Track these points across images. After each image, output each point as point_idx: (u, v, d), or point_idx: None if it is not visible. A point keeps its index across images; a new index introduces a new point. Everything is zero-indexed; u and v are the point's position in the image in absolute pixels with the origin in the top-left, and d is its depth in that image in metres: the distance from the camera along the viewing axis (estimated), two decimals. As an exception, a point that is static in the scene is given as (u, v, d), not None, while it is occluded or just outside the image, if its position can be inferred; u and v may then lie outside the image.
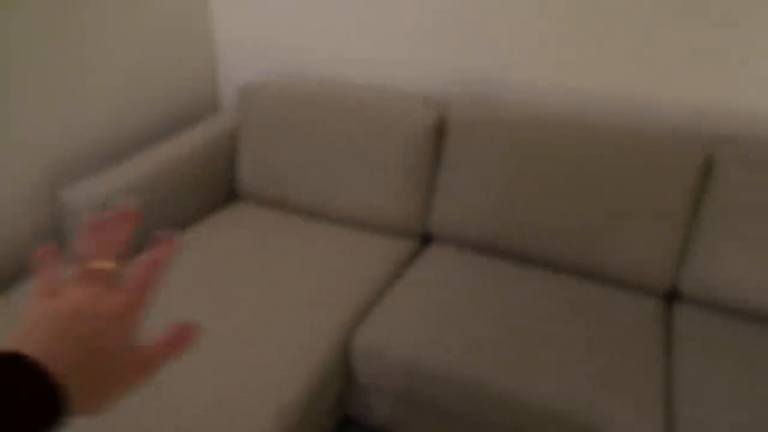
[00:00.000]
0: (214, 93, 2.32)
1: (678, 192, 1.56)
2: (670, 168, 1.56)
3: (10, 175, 1.61)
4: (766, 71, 1.59)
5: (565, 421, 1.26)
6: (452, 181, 1.78)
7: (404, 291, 1.59)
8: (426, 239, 1.92)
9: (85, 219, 1.35)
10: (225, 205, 2.04)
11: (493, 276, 1.66)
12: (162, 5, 1.99)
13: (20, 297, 1.46)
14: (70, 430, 0.37)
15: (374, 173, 1.83)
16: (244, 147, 1.98)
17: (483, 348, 1.39)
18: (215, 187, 2.00)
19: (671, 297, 1.68)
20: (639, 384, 1.31)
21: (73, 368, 0.38)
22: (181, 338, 0.45)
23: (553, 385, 1.29)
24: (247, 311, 1.47)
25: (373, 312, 1.52)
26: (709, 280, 1.55)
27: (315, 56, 2.12)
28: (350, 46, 2.05)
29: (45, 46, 1.63)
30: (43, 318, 0.40)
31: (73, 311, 0.41)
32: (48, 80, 1.67)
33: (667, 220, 1.58)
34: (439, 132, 1.80)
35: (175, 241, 0.48)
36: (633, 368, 1.35)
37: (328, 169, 1.87)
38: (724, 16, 1.57)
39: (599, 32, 1.72)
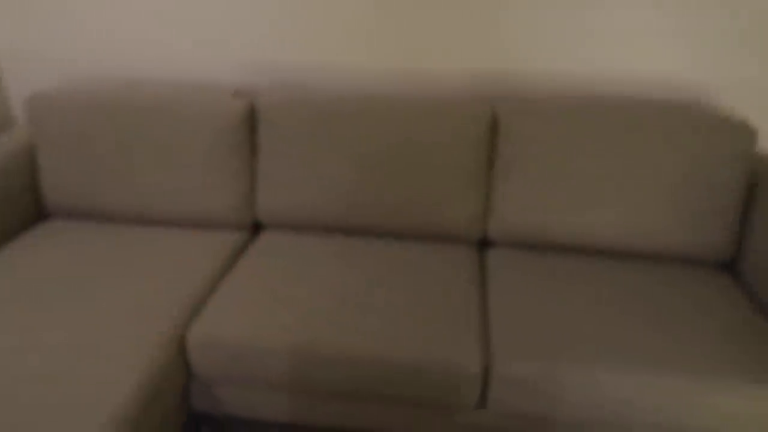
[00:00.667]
0: (3, 108, 2.12)
1: (473, 150, 1.73)
2: (464, 129, 1.72)
3: None
4: (533, 39, 1.81)
5: (394, 366, 1.35)
6: (270, 167, 1.81)
7: (236, 280, 1.60)
8: (257, 227, 1.93)
9: None
10: (33, 224, 1.89)
11: (321, 252, 1.72)
12: None
13: None
14: None
15: (190, 170, 1.80)
16: (43, 161, 1.85)
17: (315, 317, 1.44)
18: (19, 207, 1.84)
19: (484, 244, 1.86)
20: (458, 320, 1.44)
21: None
22: None
23: (381, 338, 1.38)
24: (69, 326, 1.38)
25: (206, 306, 1.51)
26: (509, 223, 1.74)
27: (112, 57, 2.02)
28: (145, 40, 1.98)
29: None
30: None
31: None
32: None
33: (468, 177, 1.74)
34: (251, 121, 1.81)
35: None
36: (452, 308, 1.49)
37: (139, 172, 1.81)
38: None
39: (395, 16, 1.84)
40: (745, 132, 1.61)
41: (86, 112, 1.79)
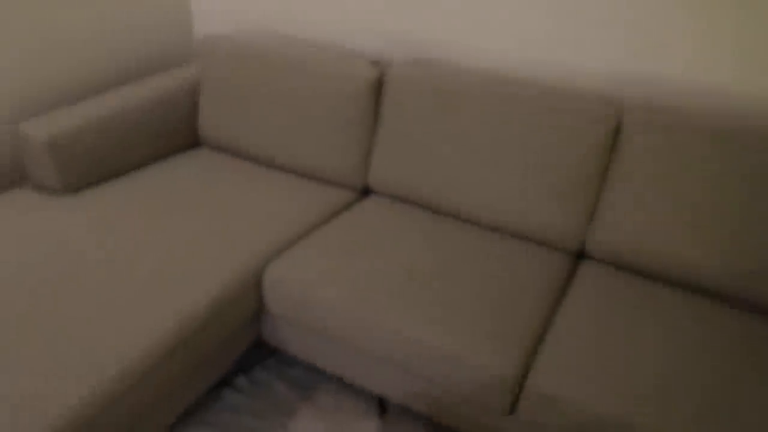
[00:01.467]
0: (188, 44, 2.45)
1: (586, 155, 1.62)
2: (582, 131, 1.62)
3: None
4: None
5: (432, 355, 1.37)
6: (388, 137, 1.87)
7: (325, 234, 1.71)
8: (366, 192, 2.03)
9: (48, 150, 1.50)
10: (186, 150, 2.19)
11: (414, 226, 1.76)
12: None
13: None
14: None
15: (318, 127, 1.93)
16: (204, 96, 2.12)
17: (378, 284, 1.50)
18: (177, 133, 2.14)
19: (581, 255, 1.76)
20: (514, 323, 1.41)
21: None
22: None
23: (435, 323, 1.40)
24: (171, 240, 1.61)
25: (289, 250, 1.65)
26: (612, 241, 1.62)
27: (282, 15, 2.23)
28: (315, 7, 2.15)
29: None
30: None
31: None
32: (14, 18, 1.83)
33: (575, 182, 1.64)
34: (378, 90, 1.89)
35: None
36: (513, 309, 1.45)
37: (276, 120, 1.99)
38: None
39: (542, 6, 1.78)
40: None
41: (241, 59, 2.01)
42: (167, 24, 2.35)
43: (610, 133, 1.61)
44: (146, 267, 1.50)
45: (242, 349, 1.67)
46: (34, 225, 1.64)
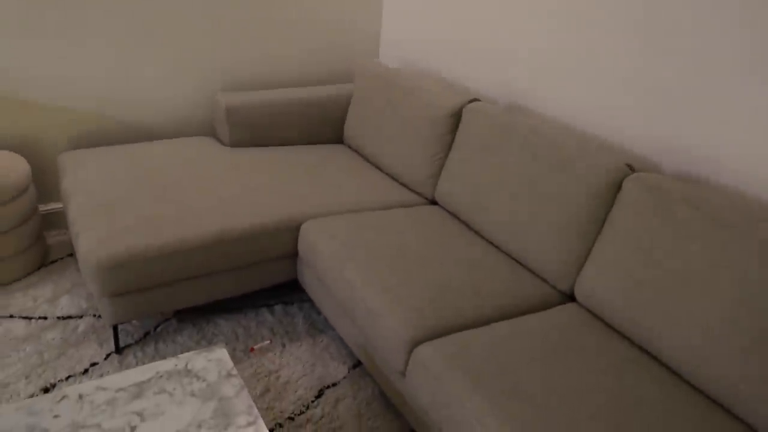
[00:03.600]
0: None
1: (588, 204, 1.72)
2: (585, 179, 1.73)
3: (196, 81, 2.69)
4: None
5: (365, 308, 1.68)
6: (455, 160, 2.20)
7: (366, 216, 2.12)
8: (434, 203, 2.36)
9: (226, 114, 2.29)
10: (334, 142, 2.82)
11: (447, 232, 2.05)
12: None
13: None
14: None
15: (411, 143, 2.36)
16: (352, 106, 2.72)
17: (368, 252, 1.86)
18: (326, 128, 2.78)
19: (570, 297, 1.82)
20: (447, 316, 1.63)
21: None
22: None
23: (384, 291, 1.71)
24: (262, 186, 2.22)
25: (331, 217, 2.10)
26: (592, 293, 1.68)
27: (439, 56, 2.73)
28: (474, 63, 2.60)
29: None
30: None
31: None
32: (250, 23, 2.70)
33: (574, 228, 1.75)
34: (457, 119, 2.23)
35: None
36: (459, 305, 1.66)
37: (388, 134, 2.48)
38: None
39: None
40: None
41: (380, 83, 2.56)
42: (358, 47, 3.05)
43: (610, 184, 1.69)
44: (236, 193, 2.13)
45: (279, 279, 2.16)
46: (204, 153, 2.42)
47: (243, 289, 2.11)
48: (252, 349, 2.02)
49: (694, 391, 1.44)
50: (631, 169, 1.72)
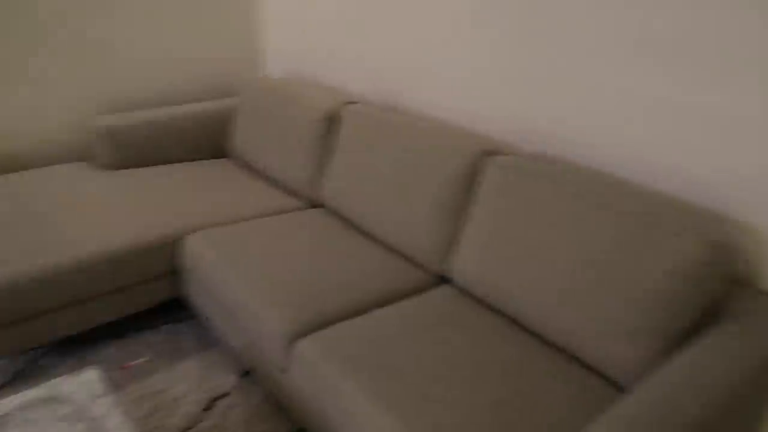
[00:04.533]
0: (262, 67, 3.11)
1: (453, 190, 1.80)
2: (448, 166, 1.82)
3: (69, 106, 2.59)
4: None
5: (245, 309, 1.67)
6: (337, 160, 2.23)
7: (255, 224, 2.11)
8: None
9: (104, 136, 2.20)
10: (219, 157, 2.79)
11: (330, 230, 2.08)
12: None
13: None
14: None
15: (289, 145, 2.38)
16: (237, 120, 2.70)
17: (248, 258, 1.86)
18: (210, 144, 2.75)
19: (446, 279, 1.90)
20: (322, 310, 1.65)
21: None
22: None
23: (260, 291, 1.72)
24: (140, 204, 2.16)
25: (214, 228, 2.08)
26: (464, 272, 1.75)
27: (330, 65, 2.78)
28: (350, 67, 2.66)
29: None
30: None
31: None
32: (118, 42, 2.63)
33: (442, 213, 1.83)
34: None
35: None
36: (334, 297, 1.69)
37: (274, 140, 2.48)
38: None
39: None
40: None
41: (265, 95, 2.57)
42: (243, 61, 3.05)
43: (469, 167, 1.78)
44: (114, 215, 2.06)
45: (163, 297, 2.11)
46: (81, 178, 2.32)
47: (125, 311, 2.04)
48: (124, 367, 1.95)
49: (556, 349, 1.54)
50: (492, 152, 1.83)
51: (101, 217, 2.04)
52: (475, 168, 1.78)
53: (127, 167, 2.54)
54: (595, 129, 1.75)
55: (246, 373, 1.97)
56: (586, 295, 1.44)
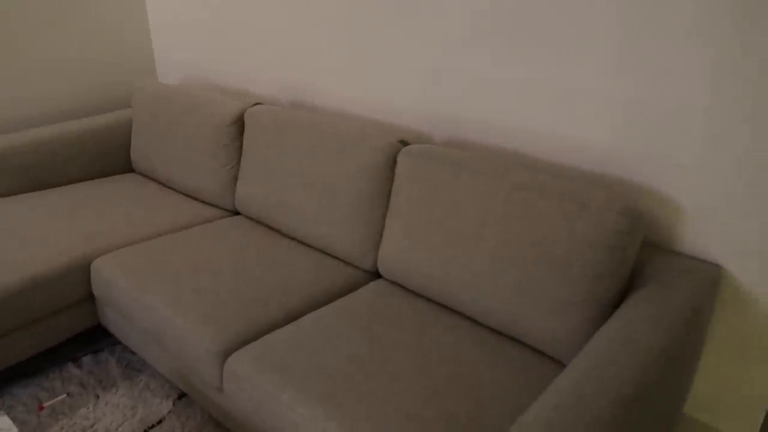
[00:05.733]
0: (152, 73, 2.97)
1: (371, 184, 1.79)
2: (364, 160, 1.81)
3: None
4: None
5: (170, 329, 1.60)
6: (247, 165, 2.17)
7: (166, 241, 2.01)
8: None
9: None
10: (123, 172, 2.64)
11: (249, 237, 2.02)
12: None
13: None
14: None
15: (197, 152, 2.29)
16: (134, 131, 2.57)
17: (162, 273, 1.77)
18: (111, 159, 2.60)
19: (376, 273, 1.89)
20: (252, 319, 1.60)
21: None
22: None
23: (181, 306, 1.64)
24: (39, 230, 2.01)
25: (123, 249, 1.97)
26: (393, 264, 1.75)
27: (222, 71, 2.67)
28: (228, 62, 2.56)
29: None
30: None
31: None
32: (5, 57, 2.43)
33: (363, 208, 1.82)
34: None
35: None
36: (267, 305, 1.64)
37: (173, 150, 2.38)
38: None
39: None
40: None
41: (152, 99, 2.45)
42: (133, 71, 2.89)
43: (385, 158, 1.78)
44: (8, 245, 1.90)
45: (79, 327, 1.98)
46: (-48, 214, 2.13)
47: (39, 347, 1.90)
48: (40, 408, 1.82)
49: (485, 329, 1.57)
50: (404, 143, 1.83)
51: (2, 248, 1.89)
52: (390, 159, 1.78)
53: (21, 192, 2.36)
54: (492, 112, 1.79)
55: (180, 396, 1.89)
56: (511, 273, 1.47)
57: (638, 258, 1.47)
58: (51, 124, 2.64)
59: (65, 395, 1.87)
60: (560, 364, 1.44)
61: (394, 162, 1.79)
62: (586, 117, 1.60)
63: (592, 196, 1.41)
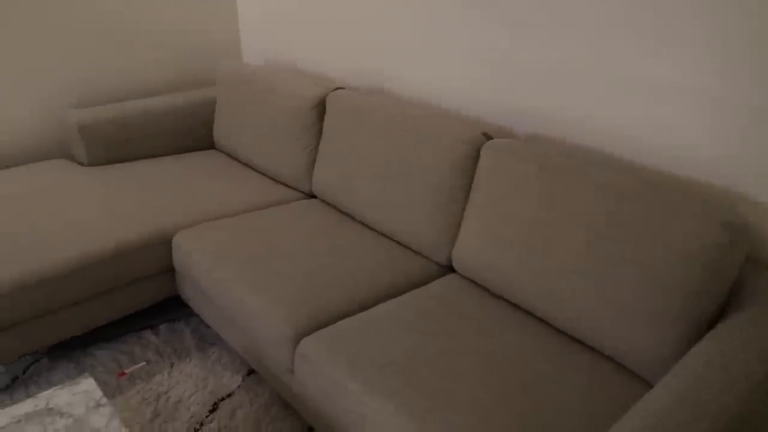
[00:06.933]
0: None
1: (451, 176, 1.75)
2: (445, 152, 1.77)
3: (42, 97, 2.50)
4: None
5: (245, 310, 1.63)
6: (326, 149, 2.17)
7: (244, 219, 2.05)
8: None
9: (79, 132, 2.10)
10: (205, 149, 2.72)
11: (324, 222, 2.03)
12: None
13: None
14: None
15: (279, 137, 2.31)
16: (217, 110, 2.63)
17: (241, 255, 1.80)
18: (195, 135, 2.67)
19: (449, 267, 1.86)
20: (321, 306, 1.60)
21: None
22: None
23: (260, 292, 1.66)
24: (124, 205, 2.09)
25: (201, 225, 2.01)
26: (467, 260, 1.71)
27: (305, 54, 2.69)
28: (330, 53, 2.57)
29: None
30: None
31: None
32: (92, 33, 2.53)
33: (441, 201, 1.78)
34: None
35: None
36: (338, 292, 1.64)
37: (253, 132, 2.41)
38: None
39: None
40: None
41: (240, 82, 2.49)
42: (218, 50, 2.95)
43: (468, 152, 1.73)
44: (98, 213, 1.99)
45: (158, 297, 2.06)
46: (60, 176, 2.24)
47: (120, 312, 1.99)
48: (121, 374, 1.89)
49: (562, 335, 1.51)
50: (487, 137, 1.78)
51: (83, 217, 1.97)
52: (473, 152, 1.73)
53: (108, 163, 2.46)
54: (576, 107, 1.69)
55: (250, 372, 1.93)
56: (594, 279, 1.40)
57: (740, 275, 1.37)
58: (139, 98, 2.74)
59: (144, 363, 1.95)
60: (643, 381, 1.37)
61: (477, 155, 1.74)
62: (690, 119, 1.49)
63: (689, 205, 1.31)
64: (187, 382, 1.89)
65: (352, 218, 2.09)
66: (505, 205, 1.62)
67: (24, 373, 1.92)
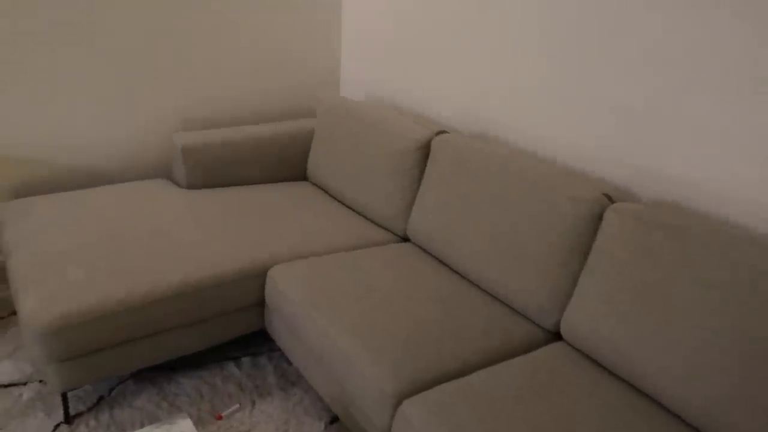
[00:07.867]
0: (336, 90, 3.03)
1: (569, 237, 1.65)
2: (564, 211, 1.67)
3: (149, 119, 2.56)
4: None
5: (338, 353, 1.55)
6: (427, 193, 2.11)
7: (337, 258, 2.00)
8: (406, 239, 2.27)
9: (182, 154, 2.14)
10: (299, 180, 2.70)
11: (422, 269, 1.95)
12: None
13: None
14: None
15: (376, 174, 2.27)
16: (314, 142, 2.62)
17: (334, 293, 1.74)
18: (288, 166, 2.67)
19: (556, 334, 1.74)
20: (420, 362, 1.52)
21: None
22: None
23: (354, 334, 1.60)
24: (222, 232, 2.08)
25: (297, 260, 1.97)
26: (579, 329, 1.59)
27: (403, 92, 2.67)
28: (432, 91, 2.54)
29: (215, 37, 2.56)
30: None
31: None
32: (205, 61, 2.59)
33: (555, 263, 1.68)
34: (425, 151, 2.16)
35: None
36: (433, 352, 1.55)
37: (353, 166, 2.38)
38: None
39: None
40: None
41: (336, 113, 2.47)
42: (319, 84, 2.97)
43: (591, 217, 1.62)
44: (195, 239, 1.98)
45: (245, 330, 2.02)
46: (160, 197, 2.27)
47: (207, 343, 1.96)
48: (219, 417, 1.85)
49: (685, 425, 1.36)
50: (610, 199, 1.67)
51: (181, 242, 1.96)
52: (594, 214, 1.63)
53: (204, 186, 2.48)
54: (715, 171, 1.56)
55: (333, 421, 1.85)
56: (723, 374, 1.25)
57: None
58: (239, 125, 2.77)
59: (238, 405, 1.89)
60: None
61: (597, 217, 1.63)
62: None
63: None
64: (267, 422, 1.83)
65: (450, 268, 2.00)
66: (628, 275, 1.50)
67: (110, 393, 1.91)
